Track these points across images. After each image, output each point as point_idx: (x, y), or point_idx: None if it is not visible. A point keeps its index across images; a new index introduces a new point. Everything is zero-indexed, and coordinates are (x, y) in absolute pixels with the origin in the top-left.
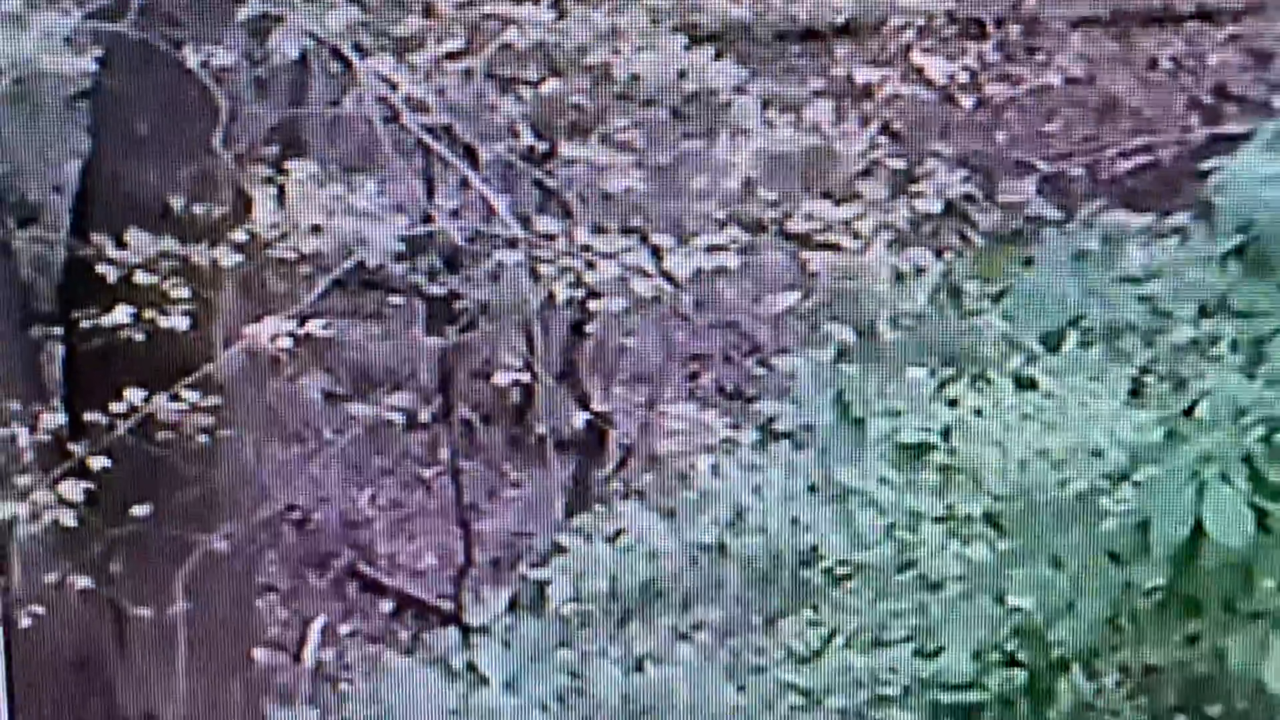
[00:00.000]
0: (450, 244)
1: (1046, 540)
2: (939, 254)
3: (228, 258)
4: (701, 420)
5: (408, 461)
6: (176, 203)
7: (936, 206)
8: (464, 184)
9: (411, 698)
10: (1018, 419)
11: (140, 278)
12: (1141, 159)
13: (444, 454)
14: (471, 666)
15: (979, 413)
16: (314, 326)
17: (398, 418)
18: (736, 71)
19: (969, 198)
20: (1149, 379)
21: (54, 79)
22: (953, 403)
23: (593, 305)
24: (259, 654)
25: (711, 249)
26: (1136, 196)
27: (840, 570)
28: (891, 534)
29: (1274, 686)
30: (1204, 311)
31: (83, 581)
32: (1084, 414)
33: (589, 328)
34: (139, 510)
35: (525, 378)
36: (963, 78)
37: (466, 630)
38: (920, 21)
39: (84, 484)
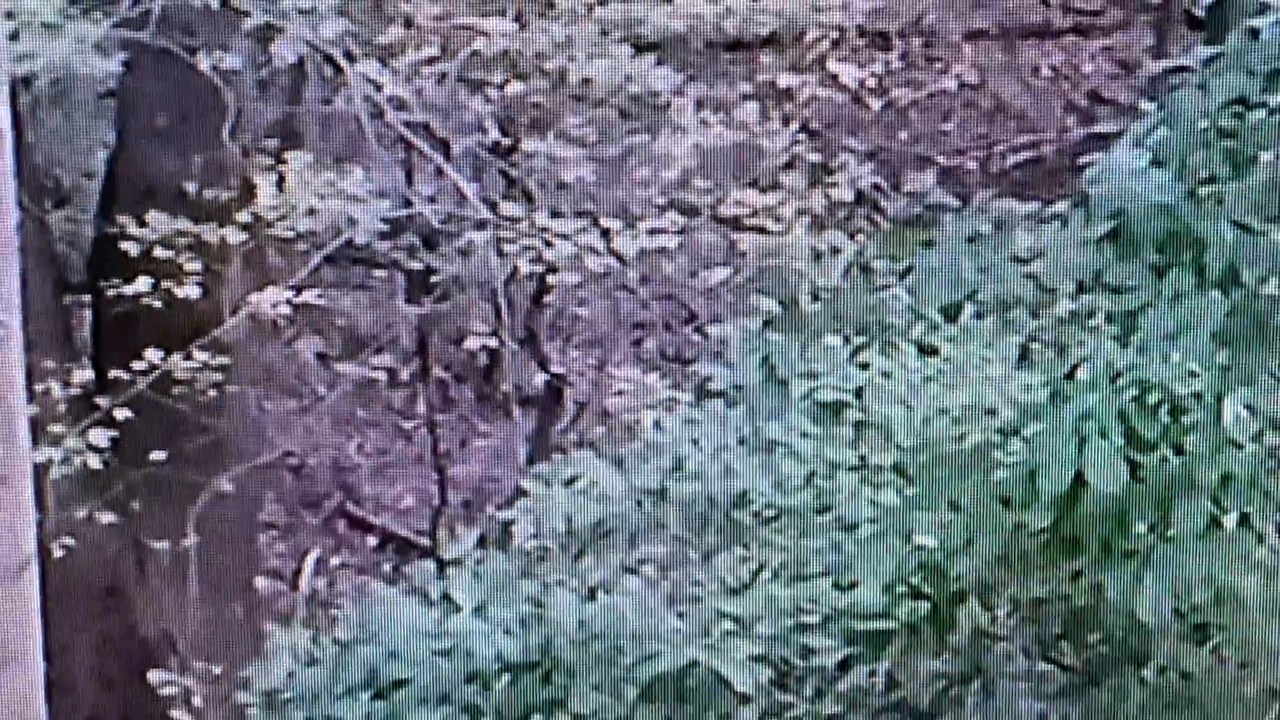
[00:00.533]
0: (427, 225)
1: (947, 487)
2: (852, 236)
3: (234, 236)
4: (645, 381)
5: (390, 415)
6: (190, 187)
7: (849, 195)
8: (439, 173)
9: (393, 621)
10: (921, 381)
11: (159, 253)
12: (1026, 154)
13: (422, 408)
14: (446, 595)
15: (887, 375)
16: (309, 296)
17: (381, 376)
18: (675, 77)
19: (877, 187)
20: (1035, 346)
21: (85, 80)
22: (864, 366)
23: (551, 279)
24: (260, 582)
25: (654, 231)
26: (1023, 187)
27: (767, 513)
28: (811, 481)
29: (1145, 616)
30: (1082, 287)
31: (108, 517)
32: (979, 376)
33: (548, 299)
34: (157, 455)
35: (492, 342)
36: (871, 83)
37: (441, 563)
38: (835, 34)
39: (109, 432)
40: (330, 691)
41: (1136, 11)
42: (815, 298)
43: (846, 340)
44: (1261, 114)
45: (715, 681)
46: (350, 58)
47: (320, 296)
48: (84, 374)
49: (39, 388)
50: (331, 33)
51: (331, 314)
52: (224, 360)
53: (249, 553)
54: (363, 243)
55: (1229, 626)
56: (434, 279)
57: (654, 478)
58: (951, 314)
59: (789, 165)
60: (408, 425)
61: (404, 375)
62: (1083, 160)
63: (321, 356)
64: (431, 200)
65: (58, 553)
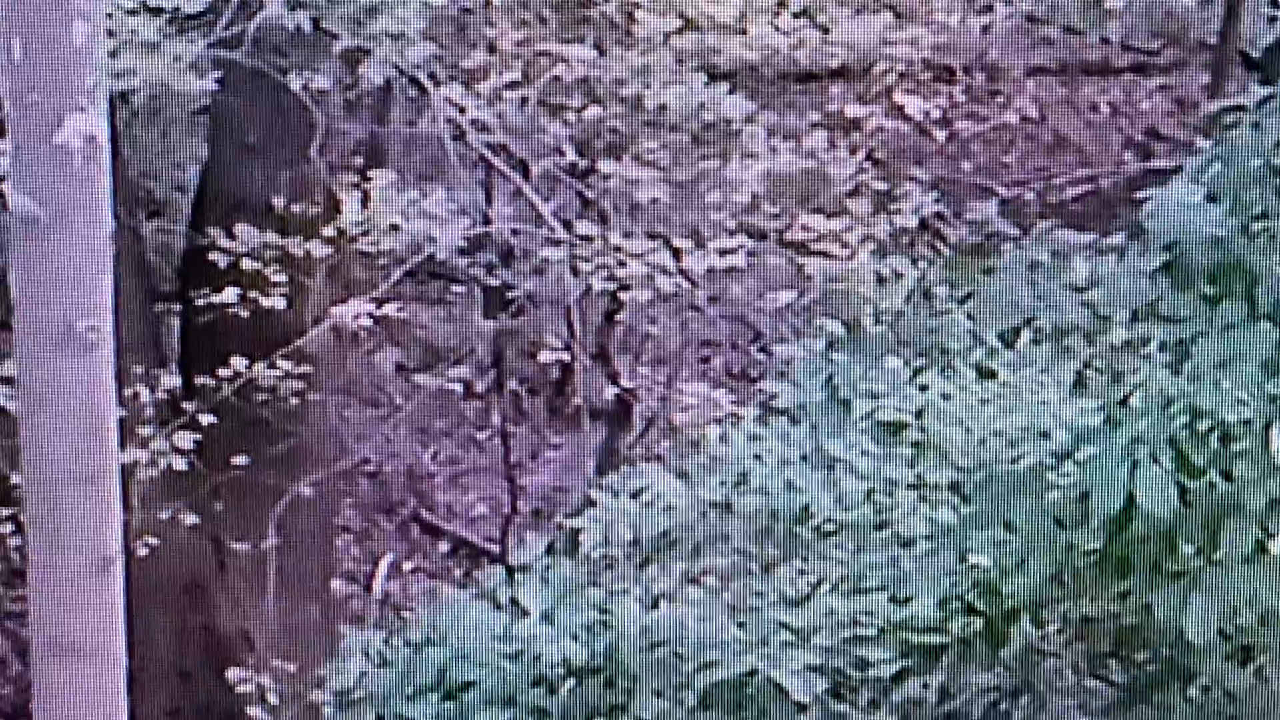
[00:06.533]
0: (505, 243)
1: (1002, 507)
2: (914, 262)
3: (319, 250)
4: (712, 397)
5: (465, 425)
6: (278, 202)
7: (913, 222)
8: (517, 193)
9: (463, 625)
10: (979, 403)
11: (246, 264)
12: (1085, 187)
13: (495, 419)
14: (514, 600)
15: (946, 397)
16: (389, 309)
17: (457, 388)
18: (747, 105)
19: (940, 216)
20: (1090, 372)
21: (180, 97)
22: (924, 388)
23: (623, 296)
24: (336, 584)
25: (723, 252)
26: (1080, 218)
27: (827, 527)
28: (870, 498)
29: (1192, 635)
30: (1136, 316)
31: (191, 518)
32: (1034, 400)
33: (619, 316)
34: (239, 459)
35: (565, 357)
36: (936, 115)
37: (511, 569)
38: (901, 67)
39: (194, 436)
40: (401, 691)
41: (1193, 51)
42: (878, 321)
43: (907, 363)
44: None
45: (773, 690)
46: (435, 81)
47: (400, 310)
48: (172, 380)
49: (128, 392)
50: (418, 56)
51: (411, 327)
52: (306, 369)
53: (326, 556)
54: (442, 259)
55: (1273, 648)
56: (510, 295)
57: (718, 491)
58: (1009, 339)
59: (855, 192)
60: (481, 435)
61: (479, 387)
62: (1139, 194)
63: (400, 368)
64: (510, 219)
65: (142, 551)
